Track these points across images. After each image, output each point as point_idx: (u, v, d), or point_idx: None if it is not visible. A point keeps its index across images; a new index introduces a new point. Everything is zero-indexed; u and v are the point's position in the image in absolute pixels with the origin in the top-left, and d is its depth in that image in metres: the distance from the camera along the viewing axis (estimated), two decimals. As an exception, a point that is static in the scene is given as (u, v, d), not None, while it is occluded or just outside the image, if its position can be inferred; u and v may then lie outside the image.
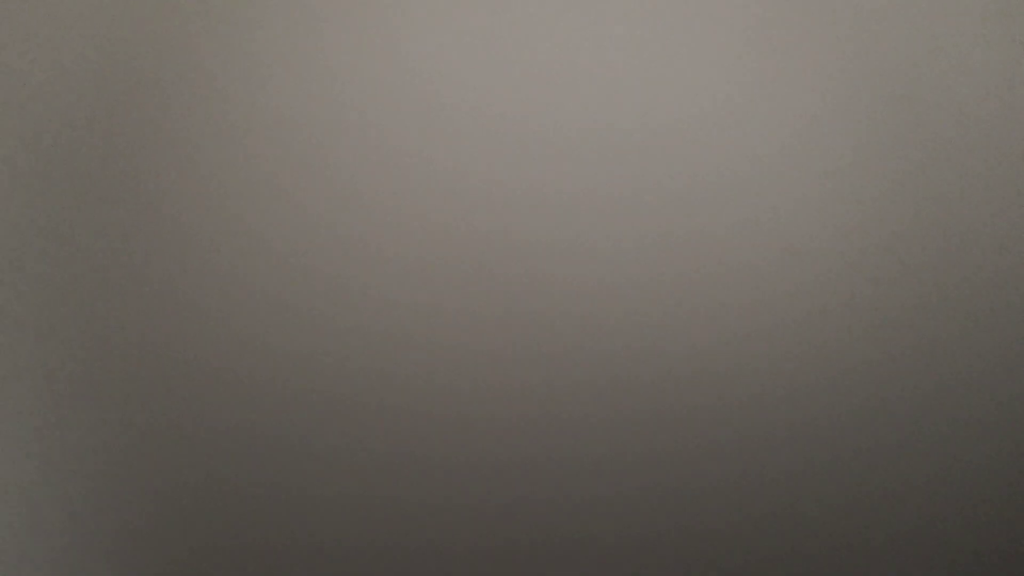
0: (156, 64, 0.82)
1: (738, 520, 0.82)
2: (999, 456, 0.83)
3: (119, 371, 0.81)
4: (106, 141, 0.82)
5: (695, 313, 0.82)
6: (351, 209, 0.82)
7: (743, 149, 0.83)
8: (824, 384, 0.82)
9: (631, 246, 0.82)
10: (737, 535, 0.82)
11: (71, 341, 0.81)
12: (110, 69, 0.82)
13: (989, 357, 0.83)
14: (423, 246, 0.82)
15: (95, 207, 0.81)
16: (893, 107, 0.83)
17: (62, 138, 0.82)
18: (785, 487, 0.82)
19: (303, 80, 0.82)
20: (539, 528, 0.82)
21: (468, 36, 0.83)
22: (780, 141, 0.83)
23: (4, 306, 0.81)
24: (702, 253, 0.82)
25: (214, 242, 0.81)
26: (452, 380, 0.82)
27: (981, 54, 0.84)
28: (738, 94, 0.83)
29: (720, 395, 0.82)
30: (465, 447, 0.82)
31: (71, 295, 0.81)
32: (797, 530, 0.82)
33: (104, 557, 0.81)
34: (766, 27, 0.83)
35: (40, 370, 0.81)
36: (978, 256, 0.83)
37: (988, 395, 0.83)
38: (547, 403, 0.82)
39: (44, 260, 0.81)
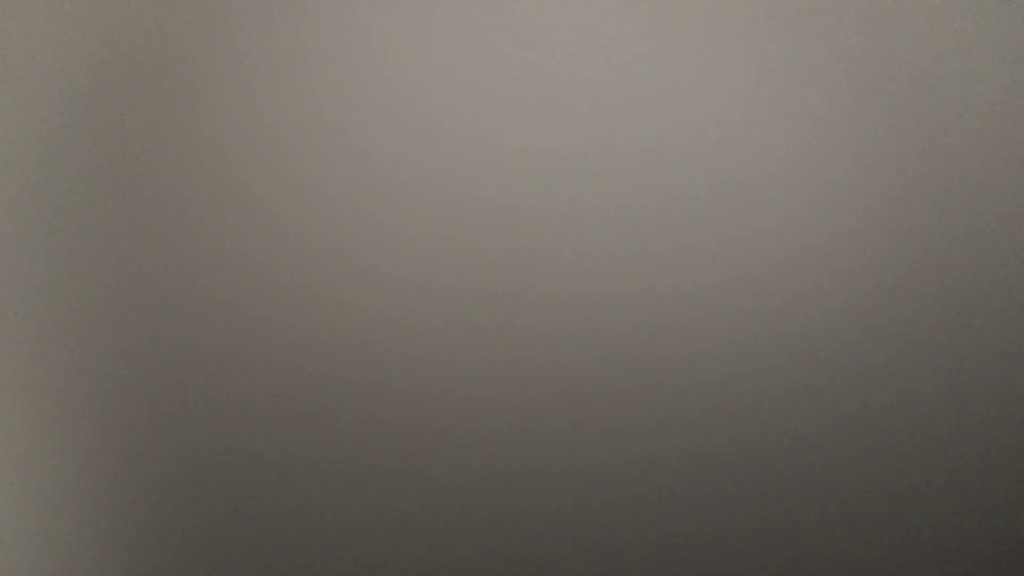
0: (160, 63, 0.82)
1: (741, 525, 0.82)
2: (1004, 457, 0.83)
3: (126, 367, 0.81)
4: (107, 140, 0.82)
5: (702, 321, 0.82)
6: (349, 223, 0.82)
7: (747, 159, 0.82)
8: (830, 389, 0.82)
9: (635, 256, 0.82)
10: (740, 540, 0.82)
11: (81, 340, 0.81)
12: (118, 66, 0.82)
13: (994, 361, 0.83)
14: (424, 258, 0.82)
15: (98, 203, 0.81)
16: (897, 116, 0.83)
17: (62, 138, 0.81)
18: (791, 492, 0.82)
19: (303, 91, 0.82)
20: (538, 536, 0.82)
21: (474, 49, 0.83)
22: (784, 150, 0.83)
23: (11, 302, 0.81)
24: (707, 262, 0.82)
25: (201, 250, 0.82)
26: (452, 390, 0.82)
27: (984, 60, 0.83)
28: (741, 105, 0.83)
29: (727, 401, 0.82)
30: (463, 457, 0.82)
31: (81, 289, 0.81)
32: (802, 533, 0.82)
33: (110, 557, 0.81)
34: (770, 39, 0.83)
35: (42, 367, 0.81)
36: (983, 262, 0.83)
37: (993, 398, 0.83)
38: (551, 413, 0.82)
39: (50, 256, 0.81)
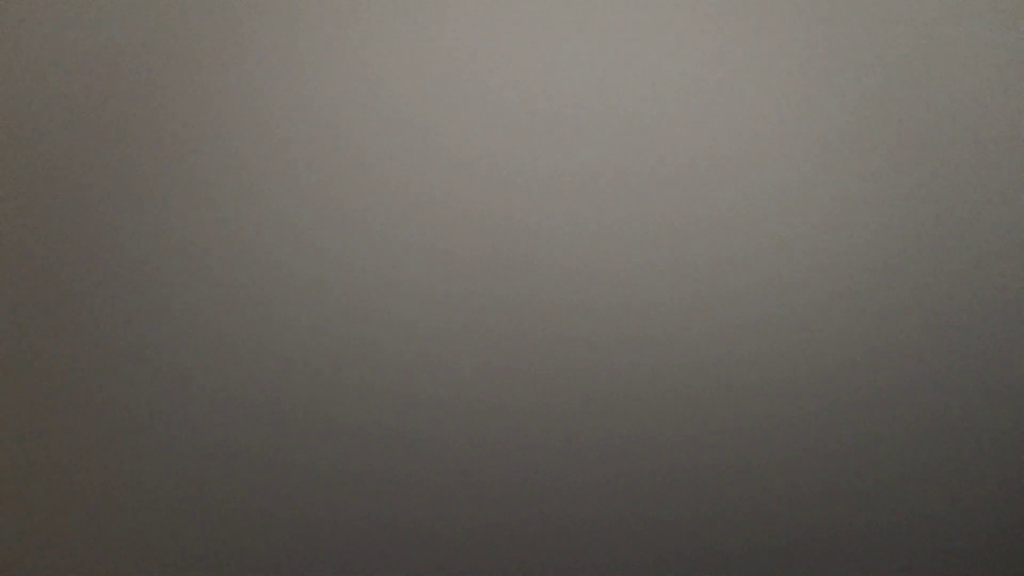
0: (157, 58, 0.82)
1: (729, 509, 0.82)
2: (991, 446, 0.83)
3: (115, 373, 0.81)
4: (103, 141, 0.82)
5: (686, 302, 0.82)
6: (359, 192, 0.82)
7: (732, 138, 0.83)
8: (814, 374, 0.82)
9: (623, 234, 0.82)
10: (728, 524, 0.82)
11: (63, 345, 0.81)
12: (112, 67, 0.82)
13: (979, 344, 0.83)
14: (425, 230, 0.82)
15: (89, 207, 0.82)
16: (881, 95, 0.84)
17: (56, 137, 0.82)
18: (771, 478, 0.82)
19: (307, 95, 0.83)
20: (534, 512, 0.82)
21: (474, 26, 0.83)
22: (768, 129, 0.83)
23: (12, 298, 0.81)
24: (692, 242, 0.82)
25: (239, 215, 0.82)
26: (451, 364, 0.82)
27: (968, 37, 0.84)
28: (727, 83, 0.83)
29: (711, 384, 0.82)
30: (464, 432, 0.82)
31: (66, 297, 0.81)
32: (787, 520, 0.82)
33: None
34: (753, 16, 0.84)
35: (35, 373, 0.81)
36: (967, 243, 0.83)
37: (979, 383, 0.83)
38: (541, 389, 0.82)
39: (51, 252, 0.81)
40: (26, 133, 0.82)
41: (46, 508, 0.80)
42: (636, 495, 0.82)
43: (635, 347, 0.82)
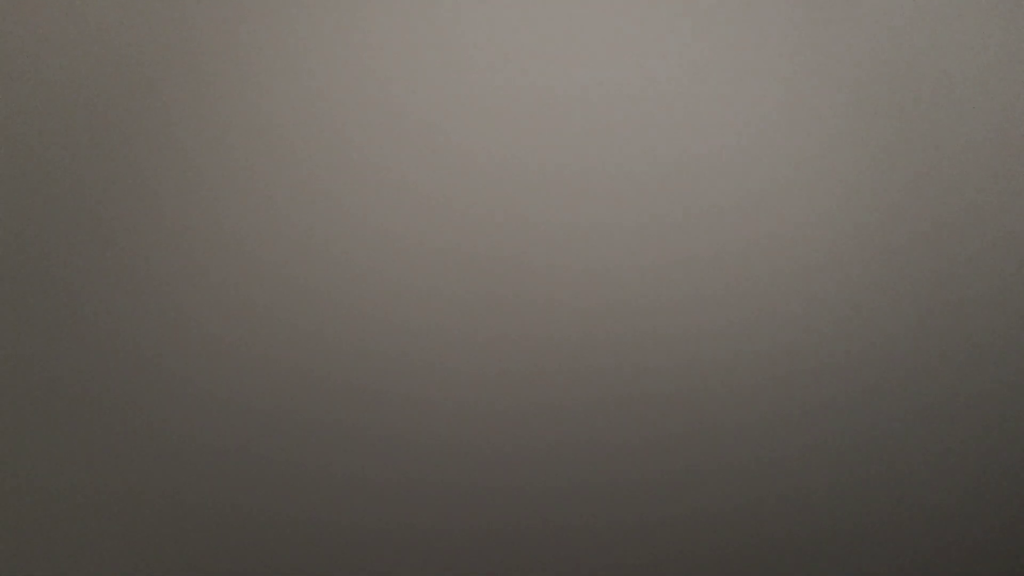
0: (157, 57, 0.82)
1: (730, 507, 0.82)
2: (987, 441, 0.83)
3: (115, 372, 0.81)
4: (104, 140, 0.82)
5: (685, 299, 0.82)
6: (362, 193, 0.82)
7: (728, 133, 0.83)
8: (813, 371, 0.83)
9: (619, 232, 0.83)
10: (729, 522, 0.82)
11: (65, 343, 0.81)
12: (110, 66, 0.82)
13: (978, 341, 0.83)
14: (429, 230, 0.82)
15: (89, 206, 0.82)
16: (877, 90, 0.84)
17: (57, 136, 0.82)
18: (770, 476, 0.82)
19: (310, 94, 0.83)
20: (537, 514, 0.82)
21: (476, 22, 0.84)
22: (765, 124, 0.83)
23: (12, 299, 0.81)
24: (689, 239, 0.83)
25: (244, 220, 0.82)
26: (453, 366, 0.82)
27: (969, 30, 0.84)
28: (723, 79, 0.83)
29: (710, 382, 0.82)
30: (466, 433, 0.82)
31: (64, 297, 0.81)
32: (787, 518, 0.82)
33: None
34: (752, 12, 0.84)
35: (36, 371, 0.81)
36: (966, 239, 0.83)
37: (977, 381, 0.83)
38: (543, 389, 0.82)
39: (38, 260, 0.81)
40: (26, 132, 0.82)
41: (43, 512, 0.80)
42: (640, 495, 0.82)
43: (637, 346, 0.82)
